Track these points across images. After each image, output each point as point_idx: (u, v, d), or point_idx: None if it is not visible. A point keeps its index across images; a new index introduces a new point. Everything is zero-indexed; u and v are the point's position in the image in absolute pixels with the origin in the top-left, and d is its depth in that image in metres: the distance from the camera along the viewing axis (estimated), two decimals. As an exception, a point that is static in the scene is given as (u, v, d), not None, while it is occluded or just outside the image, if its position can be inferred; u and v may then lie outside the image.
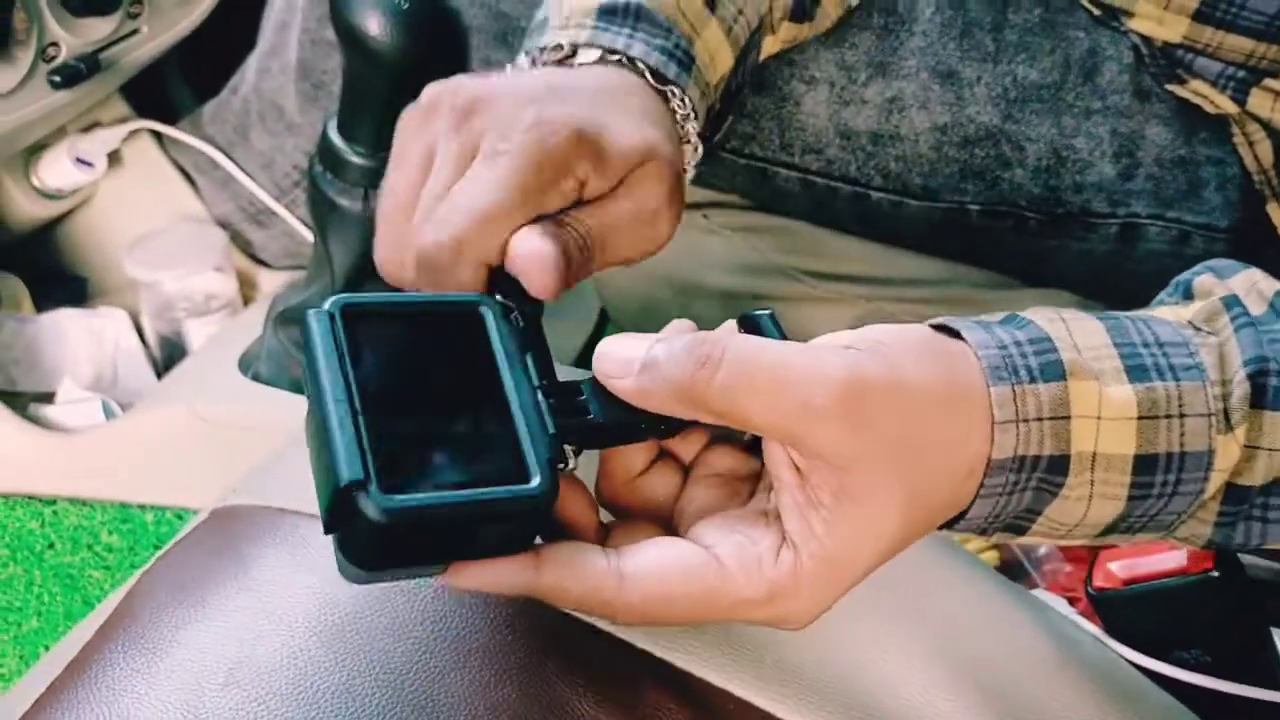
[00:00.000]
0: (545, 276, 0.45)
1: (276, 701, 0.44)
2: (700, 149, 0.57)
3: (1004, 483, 0.42)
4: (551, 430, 0.41)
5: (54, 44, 0.86)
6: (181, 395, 0.90)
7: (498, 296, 0.45)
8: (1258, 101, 0.75)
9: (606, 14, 0.56)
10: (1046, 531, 0.45)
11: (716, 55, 0.60)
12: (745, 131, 0.80)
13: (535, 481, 0.39)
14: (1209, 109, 0.76)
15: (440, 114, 0.49)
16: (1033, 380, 0.42)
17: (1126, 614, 0.59)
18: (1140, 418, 0.43)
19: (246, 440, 0.86)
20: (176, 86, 1.17)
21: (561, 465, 0.41)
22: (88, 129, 1.04)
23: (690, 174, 0.57)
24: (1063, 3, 0.77)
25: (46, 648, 0.94)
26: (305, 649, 0.45)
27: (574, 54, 0.55)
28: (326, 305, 0.41)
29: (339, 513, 0.38)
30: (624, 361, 0.41)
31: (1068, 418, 0.42)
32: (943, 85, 0.76)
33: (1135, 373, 0.43)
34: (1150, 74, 0.76)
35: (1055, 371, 0.43)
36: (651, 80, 0.54)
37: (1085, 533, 0.45)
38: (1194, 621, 0.58)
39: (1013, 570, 0.80)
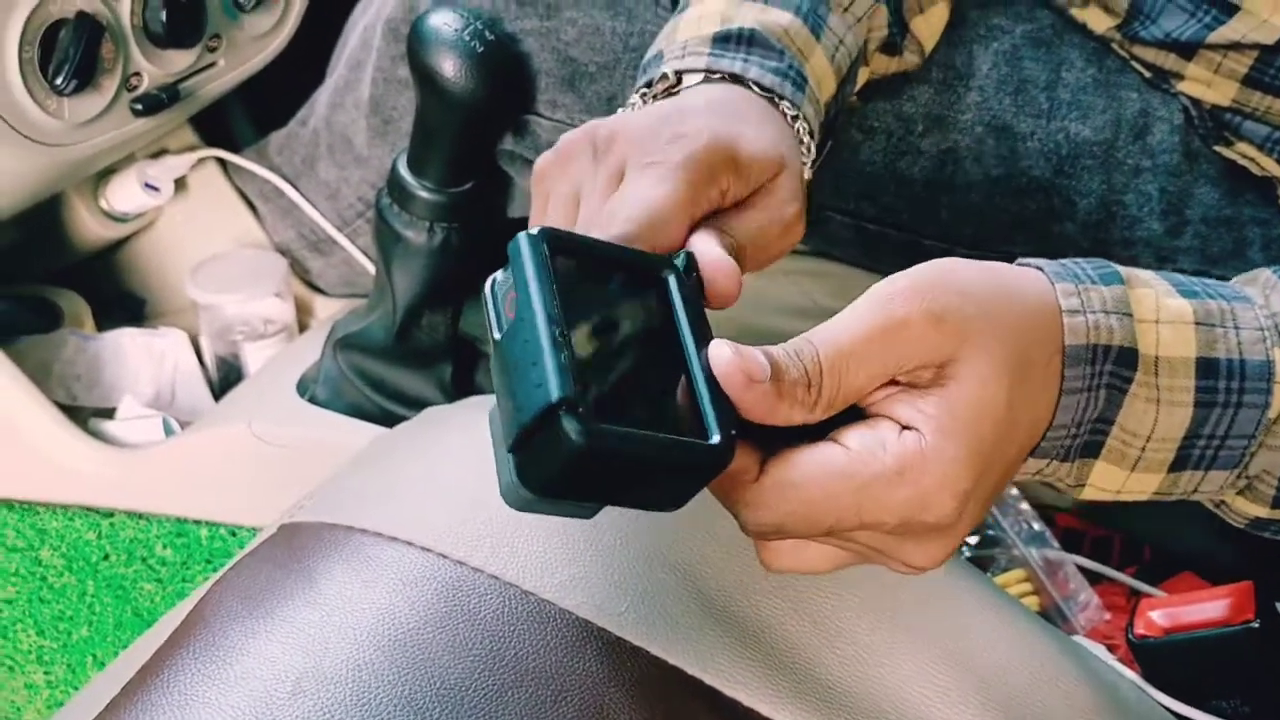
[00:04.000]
0: (730, 284, 0.46)
1: (341, 712, 0.45)
2: (811, 164, 0.58)
3: (1082, 374, 0.43)
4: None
5: (137, 74, 0.90)
6: (240, 415, 0.92)
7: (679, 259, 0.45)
8: (1304, 165, 0.77)
9: (721, 41, 0.58)
10: (1121, 450, 0.45)
11: (823, 81, 0.62)
12: (809, 184, 0.82)
13: (716, 439, 0.40)
14: (1255, 171, 0.77)
15: (578, 153, 0.51)
16: (1093, 282, 0.44)
17: (1166, 662, 0.60)
18: (1197, 323, 0.44)
19: (302, 461, 0.88)
20: (237, 117, 1.20)
21: (733, 431, 0.41)
22: (156, 155, 1.07)
23: (809, 174, 0.58)
24: (1115, 64, 0.79)
25: (95, 656, 0.96)
26: (369, 662, 0.46)
27: (679, 81, 0.57)
28: (535, 230, 0.41)
29: (538, 430, 0.37)
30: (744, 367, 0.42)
31: (1131, 315, 0.44)
32: (997, 139, 0.78)
33: (1186, 292, 0.45)
34: (1199, 135, 0.78)
35: (1114, 278, 0.44)
36: (759, 92, 0.56)
37: (1159, 458, 0.45)
38: (1233, 671, 0.59)
39: (1052, 616, 0.81)
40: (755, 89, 0.56)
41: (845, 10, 0.66)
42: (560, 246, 0.41)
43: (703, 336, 0.43)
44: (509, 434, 0.39)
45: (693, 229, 0.48)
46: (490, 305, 0.42)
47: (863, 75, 0.71)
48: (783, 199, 0.51)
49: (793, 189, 0.52)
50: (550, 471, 0.38)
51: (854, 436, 0.41)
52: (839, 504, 0.41)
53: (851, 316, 0.42)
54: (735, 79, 0.57)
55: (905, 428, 0.41)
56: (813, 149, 0.58)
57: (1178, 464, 0.46)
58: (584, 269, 0.42)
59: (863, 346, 0.41)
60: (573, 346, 0.38)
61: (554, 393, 0.37)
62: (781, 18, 0.61)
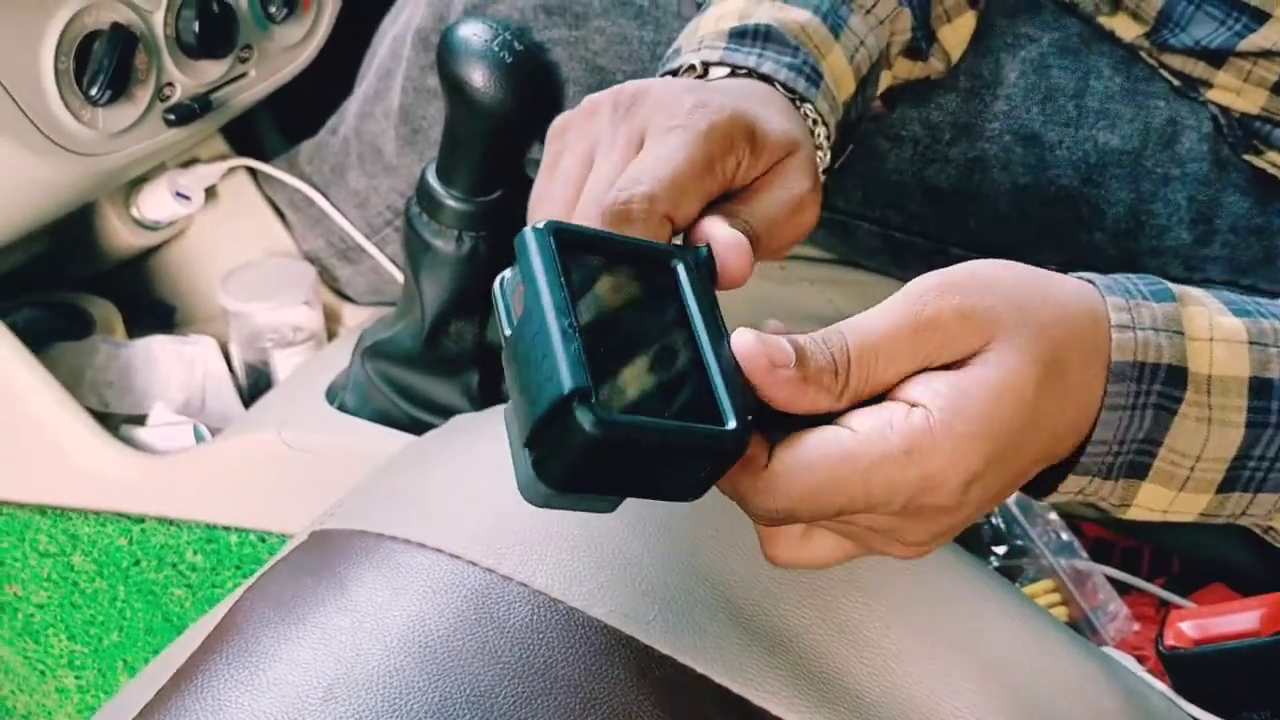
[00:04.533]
0: (742, 263, 0.46)
1: (373, 718, 0.45)
2: (827, 160, 0.59)
3: (1126, 392, 0.42)
4: (740, 381, 0.41)
5: (170, 84, 0.90)
6: (270, 422, 0.92)
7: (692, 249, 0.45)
8: (1335, 174, 0.76)
9: (737, 37, 0.59)
10: (1169, 471, 0.44)
11: (840, 80, 0.63)
12: (827, 185, 0.82)
13: (732, 424, 0.39)
14: (1286, 179, 0.77)
15: (602, 111, 0.51)
16: (1145, 298, 0.44)
17: (1197, 674, 0.59)
18: (1251, 343, 0.43)
19: (331, 468, 0.88)
20: (267, 126, 1.21)
21: (750, 417, 0.40)
22: (187, 164, 1.08)
23: (824, 179, 0.58)
24: (1144, 73, 0.79)
25: (125, 661, 0.97)
26: (400, 669, 0.47)
27: (706, 72, 0.58)
28: (540, 224, 0.41)
29: (552, 423, 0.37)
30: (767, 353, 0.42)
31: (1182, 333, 0.43)
32: (1025, 148, 0.78)
33: (1238, 311, 0.44)
34: (1228, 144, 0.77)
35: (1166, 295, 0.44)
36: (782, 91, 0.57)
37: (1208, 478, 0.44)
38: (1265, 683, 0.59)
39: (1081, 627, 0.80)
40: (780, 88, 0.57)
41: (868, 12, 0.66)
42: (567, 239, 0.41)
43: (715, 326, 0.42)
44: (524, 429, 0.39)
45: (706, 208, 0.48)
46: (500, 303, 0.42)
47: (885, 79, 0.71)
48: (795, 178, 0.51)
49: (806, 169, 0.52)
50: (567, 464, 0.38)
51: (861, 419, 0.41)
52: (848, 486, 0.40)
53: (883, 310, 0.42)
54: (761, 77, 0.57)
55: (914, 406, 0.41)
56: (827, 149, 0.59)
57: (1226, 485, 0.45)
58: (592, 261, 0.42)
59: (891, 341, 0.41)
60: (583, 337, 0.38)
61: (566, 384, 0.37)
62: (799, 15, 0.61)
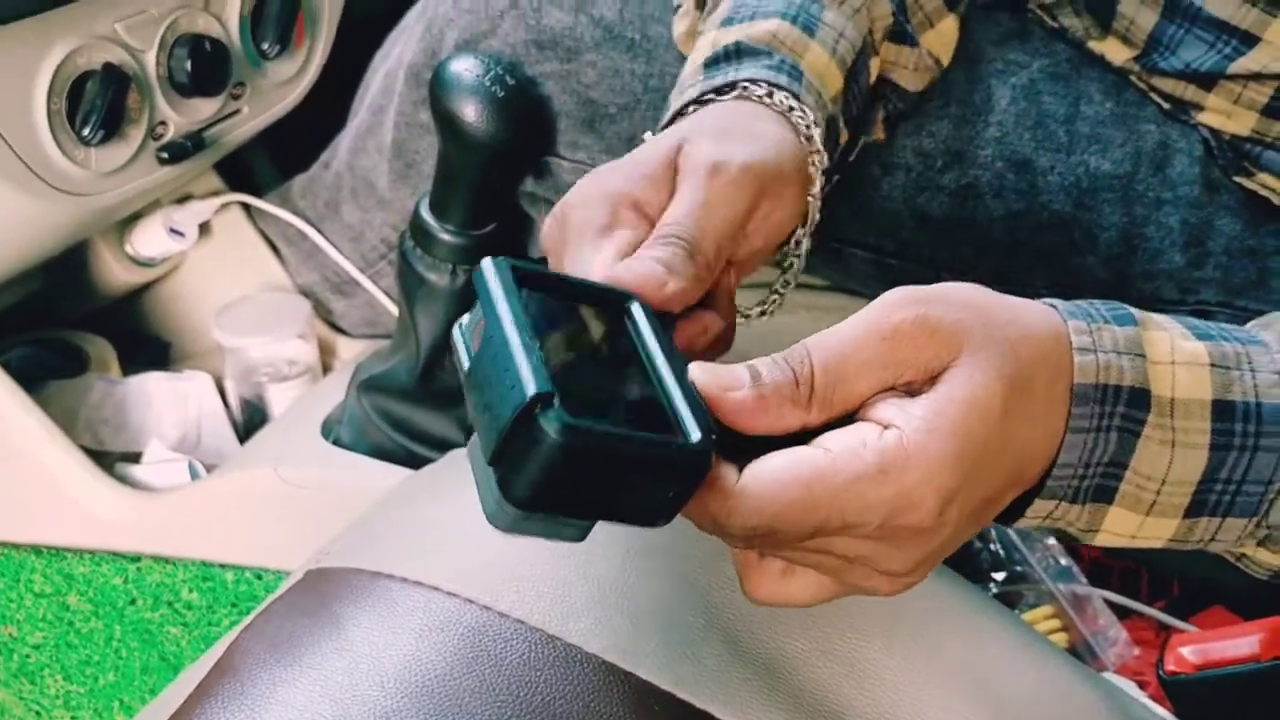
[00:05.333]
0: (664, 294, 0.47)
1: (370, 759, 0.45)
2: (825, 159, 0.59)
3: (1090, 414, 0.43)
4: (703, 403, 0.41)
5: (163, 123, 0.91)
6: (265, 458, 0.92)
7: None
8: (1326, 195, 0.76)
9: (711, 65, 0.60)
10: (1135, 495, 0.44)
11: (825, 75, 0.63)
12: (820, 212, 0.82)
13: (696, 436, 0.39)
14: (1277, 201, 0.77)
15: (547, 235, 0.53)
16: (1107, 321, 0.44)
17: (1198, 699, 0.59)
18: (1213, 365, 0.44)
19: (328, 503, 0.88)
20: (261, 161, 1.21)
21: (713, 435, 0.40)
22: (181, 200, 1.08)
23: (819, 183, 0.58)
24: (1134, 97, 0.79)
25: (122, 701, 0.96)
26: (397, 710, 0.46)
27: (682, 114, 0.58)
28: (497, 258, 0.42)
29: (517, 431, 0.37)
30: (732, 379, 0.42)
31: (1144, 356, 0.43)
32: (1017, 174, 0.78)
33: (1201, 335, 0.45)
34: (1219, 166, 0.78)
35: (1128, 319, 0.44)
36: (766, 101, 0.57)
37: (1175, 501, 0.45)
38: (1266, 709, 0.58)
39: (1081, 653, 0.80)
40: (754, 98, 0.57)
41: (842, 3, 0.66)
42: (525, 274, 0.42)
43: (676, 358, 0.43)
44: (488, 445, 0.38)
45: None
46: (460, 344, 0.42)
47: (875, 65, 0.71)
48: (731, 193, 0.52)
49: (738, 183, 0.52)
50: (532, 477, 0.38)
51: (834, 438, 0.41)
52: (823, 504, 0.40)
53: (851, 321, 0.42)
54: (737, 94, 0.58)
55: (887, 427, 0.41)
56: (817, 139, 0.58)
57: (1194, 509, 0.45)
58: (549, 297, 0.42)
59: (859, 350, 0.41)
60: (545, 353, 0.38)
61: (529, 389, 0.37)
62: (768, 25, 0.62)
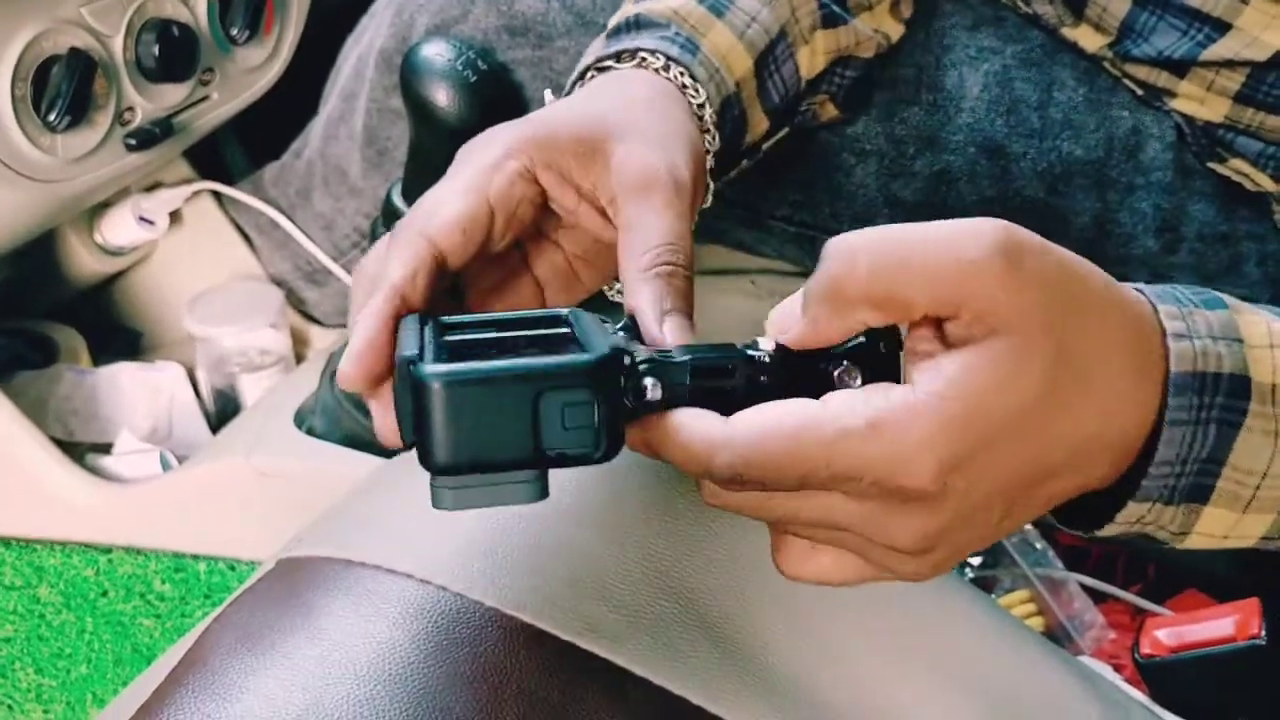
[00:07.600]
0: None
1: (344, 748, 0.44)
2: (717, 139, 0.58)
3: (1188, 405, 0.40)
4: (617, 333, 0.41)
5: (130, 109, 0.90)
6: (238, 448, 0.92)
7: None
8: (1298, 180, 0.77)
9: (613, 34, 0.61)
10: (1233, 492, 0.41)
11: (729, 55, 0.62)
12: (795, 200, 0.82)
13: (599, 353, 0.38)
14: (1249, 186, 0.77)
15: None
16: (1197, 306, 0.41)
17: (1174, 682, 0.60)
18: None
19: (300, 493, 0.88)
20: (232, 149, 1.20)
21: (628, 359, 0.39)
22: (150, 188, 1.07)
23: (711, 162, 0.57)
24: (1107, 83, 0.79)
25: (94, 694, 0.95)
26: (371, 697, 0.46)
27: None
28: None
29: (415, 403, 0.37)
30: (785, 315, 0.41)
31: (1241, 341, 0.41)
32: (990, 160, 0.78)
33: None
34: (1192, 152, 0.78)
35: (1218, 303, 0.42)
36: (664, 74, 0.57)
37: (1274, 495, 0.42)
38: (1241, 690, 0.59)
39: (1058, 636, 0.80)
40: (651, 69, 0.57)
41: None
42: (450, 325, 0.43)
43: (606, 334, 0.42)
44: (407, 433, 0.39)
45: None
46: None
47: (808, 57, 0.69)
48: (605, 180, 0.49)
49: (628, 165, 0.49)
50: (438, 436, 0.37)
51: (836, 396, 0.39)
52: (810, 454, 0.38)
53: (949, 239, 0.38)
54: (637, 62, 0.58)
55: (901, 384, 0.39)
56: (708, 119, 0.57)
57: None
58: (484, 331, 0.43)
59: (916, 246, 0.38)
60: (439, 342, 0.40)
61: (408, 354, 0.38)
62: (671, 2, 0.62)
